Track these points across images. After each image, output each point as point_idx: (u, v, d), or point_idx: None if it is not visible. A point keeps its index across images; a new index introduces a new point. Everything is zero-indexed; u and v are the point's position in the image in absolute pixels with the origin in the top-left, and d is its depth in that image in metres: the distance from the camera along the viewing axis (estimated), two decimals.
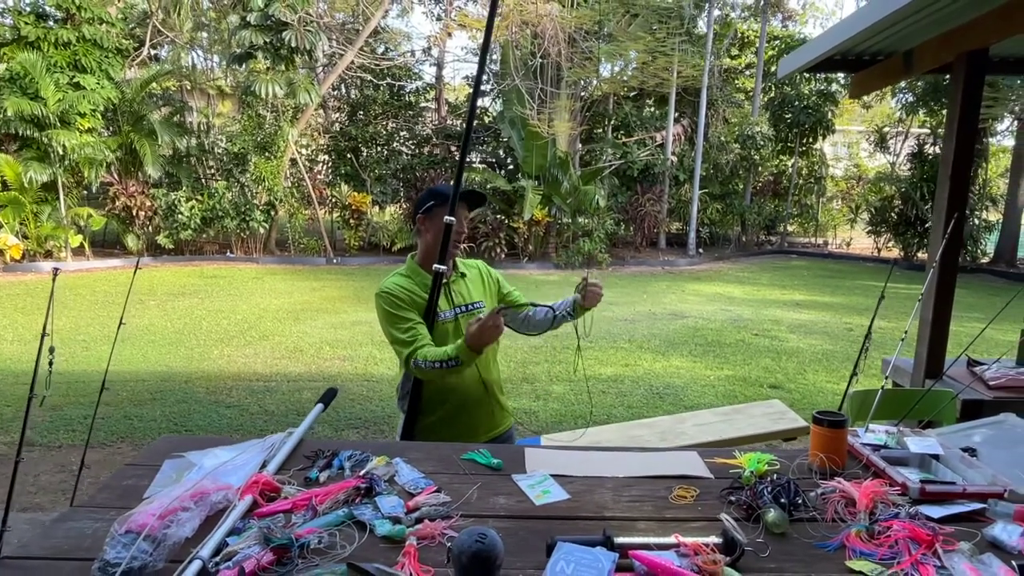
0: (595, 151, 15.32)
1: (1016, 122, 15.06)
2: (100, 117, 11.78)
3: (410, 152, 15.81)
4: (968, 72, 3.40)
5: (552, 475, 1.77)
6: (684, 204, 15.92)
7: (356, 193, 14.12)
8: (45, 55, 11.07)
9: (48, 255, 11.94)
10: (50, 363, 2.04)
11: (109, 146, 11.77)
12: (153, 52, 15.52)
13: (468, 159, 15.65)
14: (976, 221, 14.11)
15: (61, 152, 11.06)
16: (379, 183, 14.53)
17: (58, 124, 11.04)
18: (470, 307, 2.32)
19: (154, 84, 13.28)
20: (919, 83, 14.38)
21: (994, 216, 14.97)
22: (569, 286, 2.28)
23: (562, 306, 2.35)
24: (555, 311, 2.36)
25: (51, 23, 11.53)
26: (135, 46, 14.16)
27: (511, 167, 15.59)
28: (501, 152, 16.03)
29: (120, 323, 2.57)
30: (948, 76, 3.66)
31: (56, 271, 2.25)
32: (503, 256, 13.32)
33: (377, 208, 15.22)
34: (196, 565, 1.26)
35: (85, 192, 13.08)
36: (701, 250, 15.82)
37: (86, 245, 12.27)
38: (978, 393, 3.09)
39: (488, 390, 2.31)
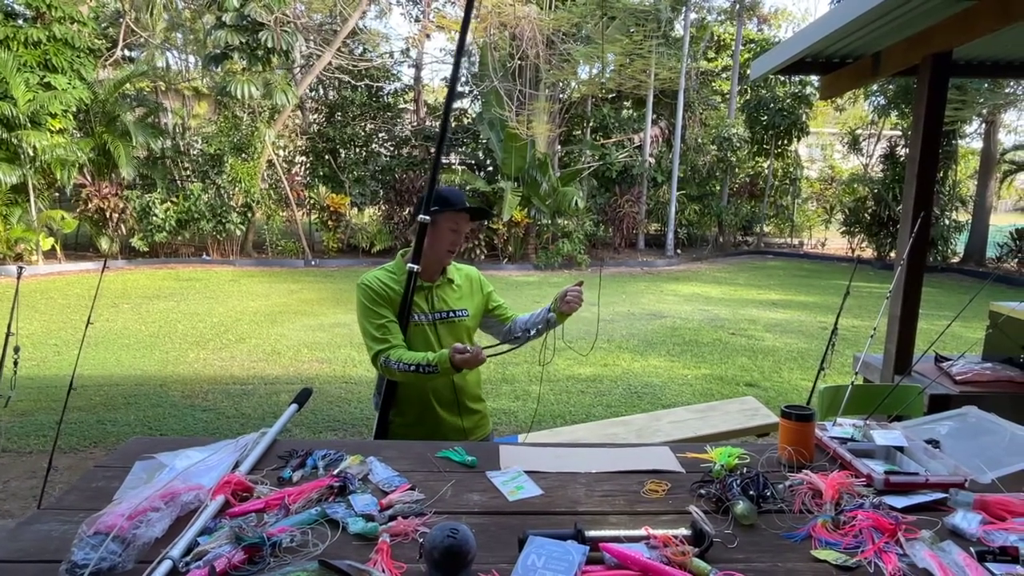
0: (574, 153, 15.40)
1: (984, 124, 15.41)
2: (72, 118, 11.57)
3: (389, 153, 15.75)
4: (933, 73, 3.49)
5: (526, 471, 1.78)
6: (662, 205, 16.07)
7: (334, 195, 14.04)
8: (14, 54, 10.83)
9: (19, 258, 11.68)
10: (15, 363, 2.01)
11: (81, 147, 11.56)
12: (127, 52, 15.29)
13: (447, 160, 15.73)
14: (946, 222, 14.42)
15: (31, 153, 10.84)
16: (357, 184, 14.44)
17: (28, 125, 10.82)
18: (450, 315, 2.26)
19: (128, 85, 13.08)
20: (890, 86, 14.66)
21: (964, 217, 15.32)
22: (550, 286, 2.27)
23: (540, 315, 2.28)
24: (535, 323, 2.28)
25: (20, 22, 11.30)
26: (108, 46, 13.94)
27: (490, 168, 15.60)
28: (480, 154, 16.04)
29: (87, 323, 2.53)
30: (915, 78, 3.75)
31: (21, 269, 2.21)
32: (482, 257, 13.32)
33: (356, 210, 15.13)
34: (166, 565, 1.26)
35: (57, 194, 12.84)
36: (679, 251, 15.96)
37: (58, 248, 12.04)
38: (945, 388, 3.16)
39: (459, 395, 2.28)
